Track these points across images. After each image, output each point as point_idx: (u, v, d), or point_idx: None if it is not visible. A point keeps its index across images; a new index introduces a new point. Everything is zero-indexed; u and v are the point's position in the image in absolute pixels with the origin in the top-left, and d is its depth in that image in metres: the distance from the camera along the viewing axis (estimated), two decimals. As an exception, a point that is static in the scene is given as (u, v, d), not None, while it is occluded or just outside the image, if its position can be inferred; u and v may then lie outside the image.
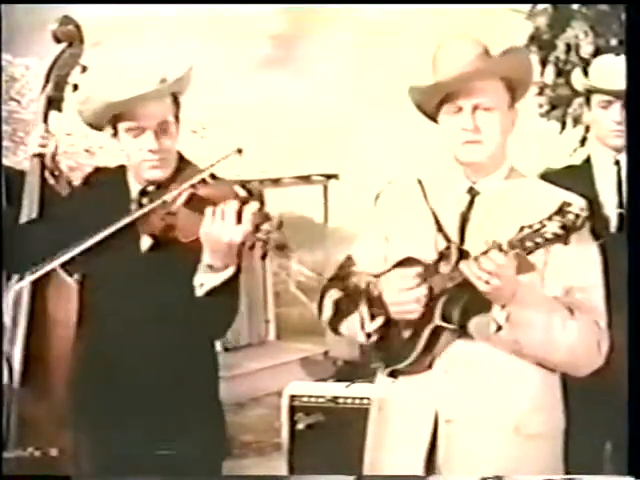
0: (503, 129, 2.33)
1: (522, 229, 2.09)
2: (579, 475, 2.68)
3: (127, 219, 2.50)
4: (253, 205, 2.27)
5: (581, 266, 2.30)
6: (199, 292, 2.40)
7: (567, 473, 2.69)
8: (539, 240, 2.07)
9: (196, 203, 2.41)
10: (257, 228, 2.23)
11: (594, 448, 2.84)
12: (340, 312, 2.43)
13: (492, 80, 2.30)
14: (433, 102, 2.34)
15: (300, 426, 3.76)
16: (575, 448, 2.66)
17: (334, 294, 2.47)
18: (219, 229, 2.27)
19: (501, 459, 2.31)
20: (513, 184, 2.38)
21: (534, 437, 2.32)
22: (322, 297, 2.49)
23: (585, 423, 2.77)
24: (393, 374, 2.36)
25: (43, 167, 2.75)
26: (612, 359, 2.48)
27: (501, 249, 2.10)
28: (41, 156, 2.75)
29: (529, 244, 2.08)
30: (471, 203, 2.36)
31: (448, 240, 2.31)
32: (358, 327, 2.33)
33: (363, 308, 2.32)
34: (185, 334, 2.48)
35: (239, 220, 2.25)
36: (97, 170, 2.77)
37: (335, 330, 2.47)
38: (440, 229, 2.34)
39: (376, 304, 2.32)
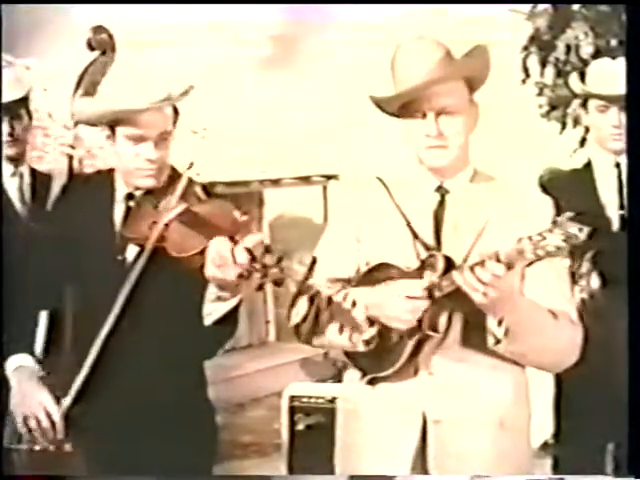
0: (467, 130, 2.32)
1: (520, 240, 2.04)
2: (580, 475, 2.68)
3: (117, 225, 2.52)
4: (252, 237, 2.27)
5: (556, 269, 2.30)
6: (207, 321, 2.43)
7: (566, 473, 2.69)
8: (540, 252, 2.02)
9: (190, 219, 2.41)
10: (255, 259, 2.23)
11: (594, 448, 2.84)
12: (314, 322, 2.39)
13: (455, 82, 2.28)
14: (394, 108, 2.33)
15: (300, 427, 3.77)
16: (575, 448, 2.66)
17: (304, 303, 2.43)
18: (221, 270, 2.28)
19: (489, 454, 2.31)
20: (480, 184, 2.37)
21: (516, 430, 2.33)
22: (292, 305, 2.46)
23: (585, 423, 2.77)
24: (372, 382, 2.35)
25: (71, 170, 2.78)
26: (613, 360, 2.48)
27: (499, 260, 2.06)
28: (70, 159, 2.79)
29: (530, 256, 2.03)
30: (442, 202, 2.35)
31: (427, 247, 2.29)
32: (348, 336, 2.29)
33: (360, 315, 2.29)
34: (177, 355, 2.50)
35: (234, 257, 2.25)
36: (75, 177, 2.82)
37: (309, 342, 2.45)
38: (415, 235, 2.31)
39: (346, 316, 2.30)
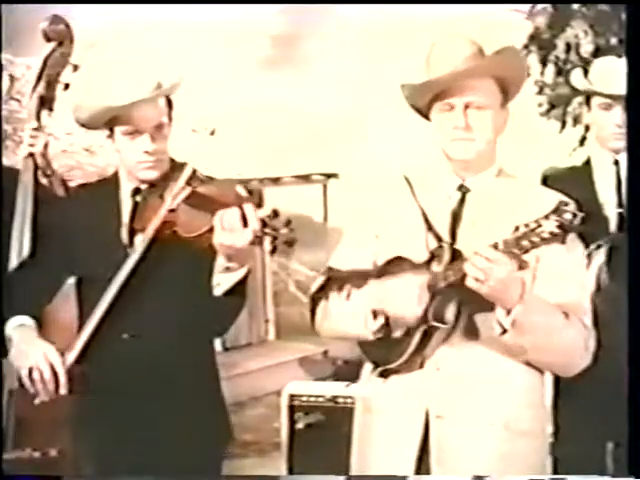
0: (495, 128, 2.33)
1: (517, 228, 2.07)
2: (580, 475, 2.68)
3: (125, 219, 2.54)
4: (261, 210, 2.29)
5: (569, 267, 2.31)
6: (217, 292, 2.43)
7: (566, 473, 2.69)
8: (535, 239, 2.04)
9: (197, 200, 2.43)
10: (265, 224, 2.25)
11: (594, 449, 2.83)
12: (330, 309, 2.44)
13: (485, 79, 2.30)
14: (425, 99, 2.35)
15: (299, 425, 3.76)
16: (575, 448, 2.66)
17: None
18: (230, 237, 2.29)
19: (492, 455, 2.30)
20: (504, 183, 2.38)
21: (523, 434, 2.32)
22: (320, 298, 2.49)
23: (585, 423, 2.77)
24: (383, 374, 2.36)
25: (36, 167, 2.75)
26: (613, 359, 2.48)
27: (497, 248, 2.09)
28: (33, 155, 2.75)
29: (525, 243, 2.05)
30: (462, 201, 2.36)
31: (439, 239, 2.31)
32: (362, 325, 2.33)
33: (366, 306, 2.32)
34: (191, 331, 2.50)
35: (245, 223, 2.27)
36: (83, 185, 2.81)
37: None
38: (430, 228, 2.34)
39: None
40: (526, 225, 2.05)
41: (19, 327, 2.53)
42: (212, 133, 2.54)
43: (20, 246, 2.68)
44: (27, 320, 2.53)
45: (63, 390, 2.46)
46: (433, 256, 2.28)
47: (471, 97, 2.28)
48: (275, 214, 2.26)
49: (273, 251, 2.28)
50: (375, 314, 2.31)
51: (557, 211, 2.03)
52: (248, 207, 2.27)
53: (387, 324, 2.31)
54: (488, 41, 2.40)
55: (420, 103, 2.37)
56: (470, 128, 2.29)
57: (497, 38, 2.52)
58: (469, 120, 2.29)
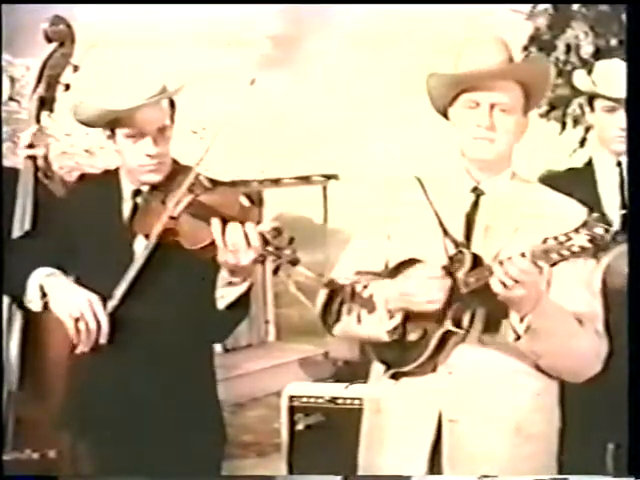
0: (516, 133, 2.34)
1: (546, 240, 2.07)
2: (580, 475, 2.68)
3: (125, 219, 2.53)
4: (264, 224, 2.29)
5: (582, 273, 2.30)
6: (220, 304, 2.46)
7: (567, 473, 2.69)
8: (565, 253, 2.04)
9: (199, 210, 2.42)
10: (268, 242, 2.25)
11: (594, 449, 2.83)
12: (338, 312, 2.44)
13: (512, 83, 2.32)
14: (451, 93, 2.34)
15: (300, 426, 3.76)
16: (576, 449, 2.66)
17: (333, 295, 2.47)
18: (235, 256, 2.28)
19: (504, 458, 2.32)
20: (517, 187, 2.38)
21: (534, 437, 2.33)
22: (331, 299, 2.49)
23: (585, 424, 2.77)
24: (395, 376, 2.36)
25: (36, 168, 2.74)
26: (613, 361, 2.48)
27: (524, 258, 2.09)
28: (34, 157, 2.75)
29: (554, 256, 2.06)
30: (476, 203, 2.36)
31: (456, 244, 2.31)
32: (379, 325, 2.32)
33: (381, 306, 2.31)
34: (190, 338, 2.50)
35: (248, 241, 2.26)
36: (83, 176, 2.81)
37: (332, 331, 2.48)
38: (445, 231, 2.33)
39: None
40: (555, 238, 2.04)
41: (50, 276, 2.51)
42: (252, 82, 2.53)
43: (22, 221, 2.67)
44: (55, 270, 2.52)
45: (103, 340, 2.46)
46: (452, 260, 2.28)
47: (498, 98, 2.28)
48: (278, 232, 2.26)
49: (276, 271, 2.28)
50: (391, 313, 2.30)
51: (587, 225, 2.02)
52: (250, 226, 2.27)
53: (403, 324, 2.31)
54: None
55: (444, 96, 2.36)
56: (494, 128, 2.29)
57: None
58: (494, 120, 2.29)
